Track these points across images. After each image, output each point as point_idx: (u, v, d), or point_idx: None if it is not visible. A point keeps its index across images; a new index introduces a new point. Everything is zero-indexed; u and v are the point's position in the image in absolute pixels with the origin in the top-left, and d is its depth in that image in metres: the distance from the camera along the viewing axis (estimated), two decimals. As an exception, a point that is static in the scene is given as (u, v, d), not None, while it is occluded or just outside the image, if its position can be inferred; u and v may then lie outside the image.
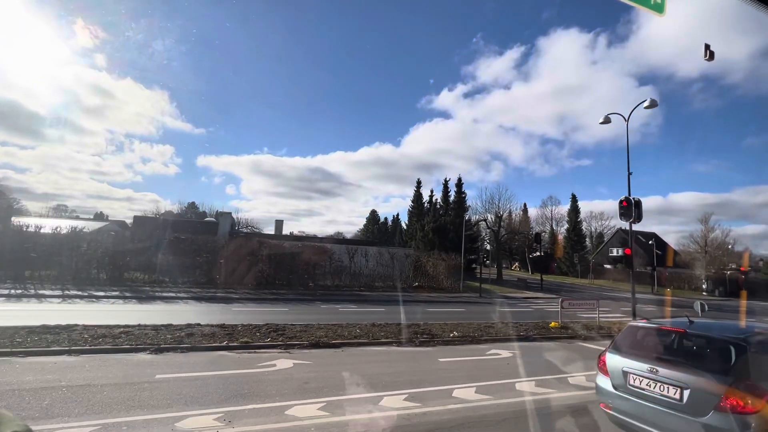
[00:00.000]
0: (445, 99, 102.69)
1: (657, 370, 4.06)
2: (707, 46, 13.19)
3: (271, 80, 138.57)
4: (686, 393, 3.78)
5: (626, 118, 15.44)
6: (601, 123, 16.09)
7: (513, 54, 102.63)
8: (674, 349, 4.37)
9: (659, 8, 3.01)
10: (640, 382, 4.18)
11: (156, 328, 8.90)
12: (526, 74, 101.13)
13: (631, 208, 13.69)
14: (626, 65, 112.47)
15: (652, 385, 4.07)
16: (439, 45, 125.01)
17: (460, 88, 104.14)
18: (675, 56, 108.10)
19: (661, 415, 3.92)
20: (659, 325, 4.61)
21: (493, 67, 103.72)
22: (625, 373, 4.36)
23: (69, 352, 6.97)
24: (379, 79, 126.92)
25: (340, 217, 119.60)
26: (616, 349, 4.68)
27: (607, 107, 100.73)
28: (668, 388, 3.92)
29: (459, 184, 42.36)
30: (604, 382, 4.60)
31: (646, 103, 14.42)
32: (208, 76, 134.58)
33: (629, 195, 14.41)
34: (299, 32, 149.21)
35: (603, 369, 4.68)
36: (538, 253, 46.25)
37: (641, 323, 4.86)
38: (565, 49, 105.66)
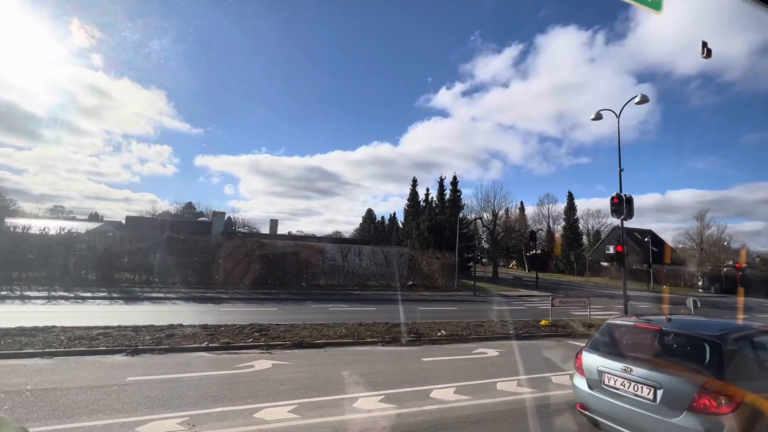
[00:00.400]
0: (444, 97, 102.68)
1: (631, 370, 3.93)
2: (704, 44, 13.06)
3: (269, 80, 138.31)
4: (659, 393, 3.65)
5: (617, 114, 15.33)
6: (593, 119, 15.98)
7: (511, 52, 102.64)
8: (649, 348, 4.25)
9: (657, 5, 2.97)
10: (615, 382, 4.06)
11: (136, 329, 8.74)
12: (524, 72, 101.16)
13: (622, 205, 13.57)
14: (624, 62, 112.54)
15: (626, 384, 3.94)
16: (437, 43, 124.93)
17: (459, 87, 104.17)
18: (673, 53, 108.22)
19: (634, 416, 3.79)
20: (635, 323, 4.49)
21: (491, 65, 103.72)
22: (601, 373, 4.23)
23: (42, 355, 6.81)
24: (378, 78, 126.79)
25: (339, 217, 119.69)
26: (593, 348, 4.56)
27: (605, 105, 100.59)
28: (642, 387, 3.80)
29: (454, 182, 42.30)
30: (580, 382, 4.47)
31: (636, 99, 14.30)
32: (205, 76, 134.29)
33: (621, 191, 14.31)
34: (297, 31, 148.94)
35: (579, 368, 4.56)
36: (535, 251, 46.15)
37: (618, 321, 4.74)
38: (563, 46, 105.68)
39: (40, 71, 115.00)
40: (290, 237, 36.22)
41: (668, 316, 4.45)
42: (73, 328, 8.39)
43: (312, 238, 41.88)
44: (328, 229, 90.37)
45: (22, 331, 7.81)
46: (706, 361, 3.66)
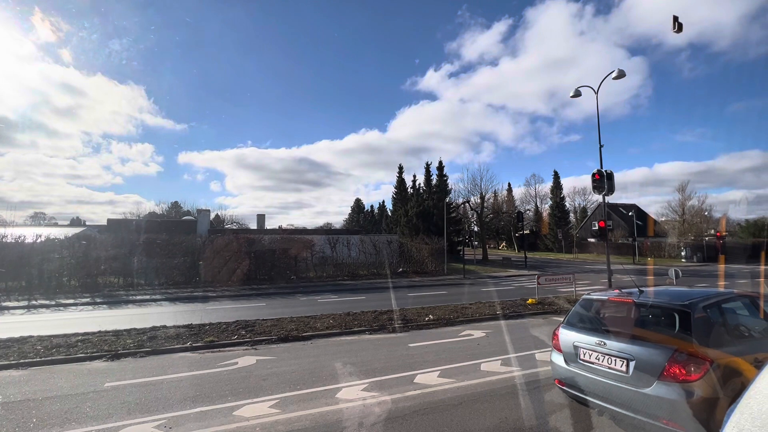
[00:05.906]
0: (431, 79, 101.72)
1: (605, 343, 3.96)
2: (675, 18, 12.92)
3: (252, 71, 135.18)
4: (632, 364, 3.68)
5: (596, 90, 15.34)
6: (572, 96, 15.95)
7: (500, 27, 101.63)
8: (622, 321, 4.28)
9: None
10: (590, 356, 4.09)
11: (117, 333, 8.58)
12: (513, 48, 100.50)
13: (603, 181, 13.71)
14: (614, 35, 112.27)
15: (601, 358, 3.97)
16: (423, 21, 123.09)
17: (446, 68, 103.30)
18: (663, 23, 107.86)
19: (609, 389, 3.83)
20: (608, 297, 4.51)
21: (479, 42, 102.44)
22: (576, 347, 4.26)
23: (17, 366, 6.62)
24: (362, 62, 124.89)
25: (331, 208, 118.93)
26: (569, 324, 4.58)
27: (597, 81, 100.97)
28: (615, 360, 3.83)
29: (440, 167, 42.21)
30: (557, 358, 4.50)
31: (614, 74, 14.31)
32: (186, 69, 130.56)
33: (601, 167, 14.45)
34: (278, 19, 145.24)
35: (556, 344, 4.58)
36: (523, 232, 46.70)
37: (593, 296, 4.76)
38: (553, 19, 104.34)
39: (5, 70, 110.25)
40: (278, 231, 35.91)
41: (640, 288, 4.47)
42: (50, 336, 8.18)
43: (300, 231, 41.57)
44: (319, 221, 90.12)
45: (-5, 344, 7.58)
46: (676, 329, 3.70)
